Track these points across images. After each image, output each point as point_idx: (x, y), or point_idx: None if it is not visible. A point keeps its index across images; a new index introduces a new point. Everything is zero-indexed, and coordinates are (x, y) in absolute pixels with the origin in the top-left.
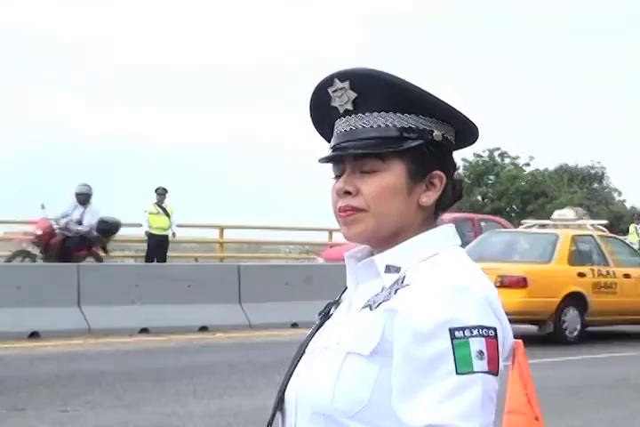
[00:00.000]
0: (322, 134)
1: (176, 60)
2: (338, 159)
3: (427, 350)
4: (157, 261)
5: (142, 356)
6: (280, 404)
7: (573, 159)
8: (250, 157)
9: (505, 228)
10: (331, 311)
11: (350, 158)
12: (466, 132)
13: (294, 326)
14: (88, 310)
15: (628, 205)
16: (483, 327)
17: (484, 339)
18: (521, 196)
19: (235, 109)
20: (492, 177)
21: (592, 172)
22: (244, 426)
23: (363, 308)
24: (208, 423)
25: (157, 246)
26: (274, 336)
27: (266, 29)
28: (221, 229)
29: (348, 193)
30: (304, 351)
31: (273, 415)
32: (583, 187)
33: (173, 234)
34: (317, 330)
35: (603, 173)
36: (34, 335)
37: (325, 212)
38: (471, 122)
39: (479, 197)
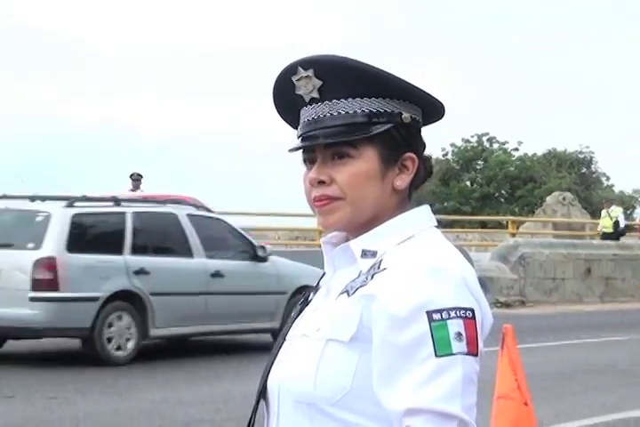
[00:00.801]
0: (287, 122)
1: (168, 51)
2: (308, 148)
3: (405, 334)
4: None
5: None
6: (263, 392)
7: (562, 144)
8: (234, 146)
9: (198, 207)
10: (310, 298)
11: (321, 147)
12: (432, 110)
13: None
14: None
15: (616, 189)
16: (460, 309)
17: (462, 320)
18: (510, 181)
19: (221, 100)
20: (480, 162)
21: (580, 156)
22: (235, 412)
23: (340, 294)
24: (198, 410)
25: None
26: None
27: (255, 22)
28: None
29: (321, 182)
30: (285, 339)
31: (257, 403)
32: (572, 172)
33: None
34: (297, 317)
35: (591, 158)
36: None
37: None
38: (437, 101)
39: (468, 183)
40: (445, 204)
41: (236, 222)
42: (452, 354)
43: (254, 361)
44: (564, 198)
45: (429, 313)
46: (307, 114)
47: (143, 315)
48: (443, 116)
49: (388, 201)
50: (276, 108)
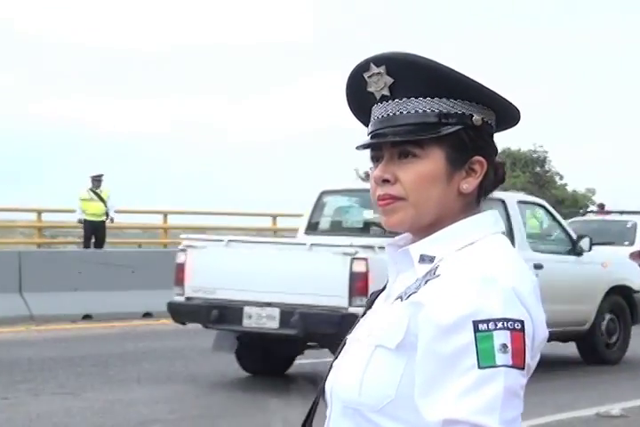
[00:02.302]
0: (360, 120)
1: (123, 46)
2: (376, 146)
3: (449, 343)
4: (95, 248)
5: (85, 342)
6: (322, 394)
7: (516, 143)
8: (191, 145)
9: None
10: (374, 301)
11: (388, 145)
12: (506, 114)
13: None
14: (30, 296)
15: (569, 188)
16: (508, 320)
17: (508, 332)
18: None
19: (177, 97)
20: None
21: (534, 156)
22: (189, 412)
23: (395, 299)
24: (152, 410)
25: (94, 233)
26: None
27: (209, 17)
28: (165, 214)
29: (386, 181)
30: (345, 342)
31: (313, 404)
32: (526, 171)
33: (111, 219)
34: (360, 320)
35: (545, 157)
36: None
37: (268, 197)
38: (512, 105)
39: None
40: None
41: (190, 222)
42: (495, 366)
43: (209, 361)
44: None
45: (476, 323)
46: (377, 112)
47: None
48: (518, 122)
49: (452, 204)
50: (349, 105)
